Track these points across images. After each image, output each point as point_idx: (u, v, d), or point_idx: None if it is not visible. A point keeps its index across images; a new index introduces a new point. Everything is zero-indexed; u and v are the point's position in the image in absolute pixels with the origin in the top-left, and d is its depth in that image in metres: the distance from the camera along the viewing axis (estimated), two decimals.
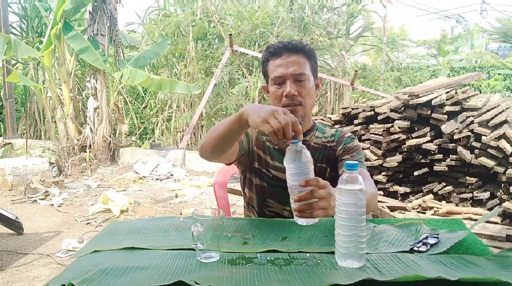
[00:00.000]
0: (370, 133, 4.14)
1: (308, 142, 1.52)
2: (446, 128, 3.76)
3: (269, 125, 1.07)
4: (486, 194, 3.63)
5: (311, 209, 1.08)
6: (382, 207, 3.68)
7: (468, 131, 3.70)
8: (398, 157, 3.98)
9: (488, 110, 3.79)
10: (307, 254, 1.04)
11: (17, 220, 3.77)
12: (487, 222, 3.38)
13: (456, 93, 3.93)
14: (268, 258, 1.02)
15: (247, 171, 1.56)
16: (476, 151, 3.63)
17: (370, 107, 4.28)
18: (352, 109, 4.42)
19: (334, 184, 1.46)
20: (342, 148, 1.50)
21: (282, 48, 1.44)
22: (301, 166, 1.12)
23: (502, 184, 3.52)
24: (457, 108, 3.82)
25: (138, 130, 8.99)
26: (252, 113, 1.12)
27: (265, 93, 1.55)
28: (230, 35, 7.03)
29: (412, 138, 3.95)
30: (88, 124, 6.96)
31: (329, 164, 1.49)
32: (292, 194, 1.13)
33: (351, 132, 1.79)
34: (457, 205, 3.74)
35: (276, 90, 1.44)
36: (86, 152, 6.73)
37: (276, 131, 1.07)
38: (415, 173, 3.93)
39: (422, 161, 3.90)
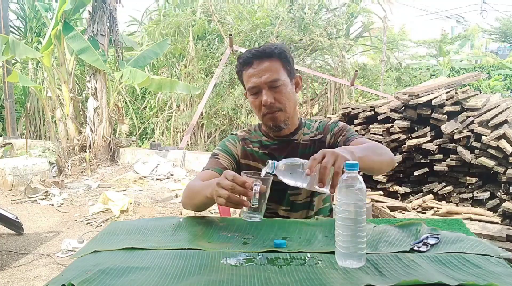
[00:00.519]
0: (370, 133, 4.14)
1: (297, 141, 1.53)
2: (446, 128, 3.76)
3: (221, 198, 1.09)
4: (486, 194, 3.63)
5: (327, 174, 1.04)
6: (382, 207, 3.68)
7: (468, 131, 3.70)
8: (398, 157, 3.98)
9: (488, 110, 3.79)
10: (307, 254, 1.04)
11: (17, 220, 3.77)
12: (488, 222, 3.38)
13: (456, 93, 3.93)
14: (268, 258, 1.02)
15: None
16: (476, 151, 3.63)
17: (370, 107, 4.28)
18: (352, 109, 4.42)
19: None
20: (331, 136, 1.50)
21: (251, 57, 1.43)
22: (298, 174, 1.12)
23: (502, 184, 3.52)
24: (457, 108, 3.82)
25: (138, 130, 8.99)
26: (213, 192, 1.14)
27: (247, 98, 1.56)
28: (230, 35, 7.03)
29: (412, 138, 3.95)
30: (88, 124, 6.96)
31: None
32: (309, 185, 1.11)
33: None
34: (457, 205, 3.74)
35: (254, 100, 1.45)
36: (86, 152, 6.73)
37: (228, 200, 1.08)
38: (415, 173, 3.93)
39: (422, 161, 3.90)
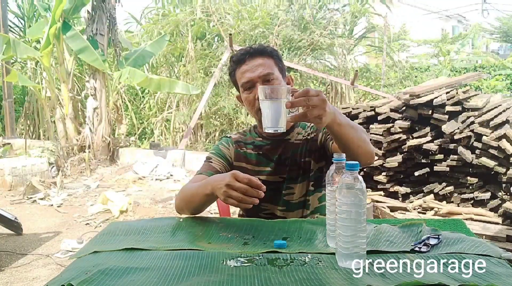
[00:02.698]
0: (371, 133, 4.13)
1: (290, 141, 1.52)
2: (446, 128, 3.75)
3: (232, 200, 1.14)
4: (487, 195, 3.62)
5: (306, 118, 1.09)
6: (383, 207, 3.67)
7: (469, 131, 3.69)
8: (399, 158, 3.97)
9: (489, 110, 3.78)
10: (308, 255, 1.03)
11: (16, 220, 3.76)
12: (489, 222, 3.37)
13: (457, 93, 3.92)
14: (268, 259, 1.01)
15: None
16: (477, 151, 3.62)
17: (371, 107, 4.27)
18: (353, 109, 4.41)
19: (321, 174, 1.46)
20: (323, 133, 1.50)
21: (244, 54, 1.45)
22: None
23: (503, 185, 3.51)
24: (458, 108, 3.81)
25: (138, 130, 8.97)
26: (217, 191, 1.19)
27: (239, 103, 1.55)
28: (230, 35, 7.01)
29: (413, 138, 3.95)
30: (87, 124, 6.95)
31: (312, 156, 1.50)
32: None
33: None
34: (458, 205, 3.74)
35: (248, 95, 1.45)
36: (85, 152, 6.71)
37: (241, 201, 1.13)
38: (416, 174, 3.92)
39: (423, 161, 3.89)
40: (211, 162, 1.51)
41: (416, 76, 10.05)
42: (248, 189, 1.12)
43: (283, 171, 1.50)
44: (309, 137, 1.52)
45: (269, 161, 1.52)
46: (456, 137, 3.72)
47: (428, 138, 3.87)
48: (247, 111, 1.54)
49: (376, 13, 9.75)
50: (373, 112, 4.21)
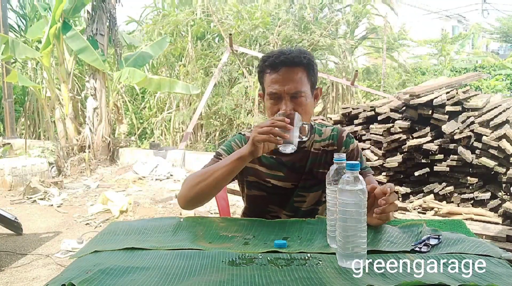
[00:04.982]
0: (371, 133, 4.13)
1: (307, 148, 1.48)
2: (446, 128, 3.75)
3: (262, 135, 1.19)
4: (487, 195, 3.62)
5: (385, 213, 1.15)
6: None
7: (469, 131, 3.69)
8: (399, 157, 3.97)
9: (489, 110, 3.78)
10: (308, 255, 1.03)
11: (16, 220, 3.76)
12: (489, 222, 3.37)
13: (457, 93, 3.92)
14: (268, 259, 1.01)
15: (242, 184, 1.55)
16: (477, 151, 3.62)
17: (371, 107, 4.27)
18: (353, 109, 4.41)
19: None
20: (345, 151, 1.46)
21: (279, 63, 1.37)
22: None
23: (503, 185, 3.51)
24: (458, 108, 3.81)
25: (138, 130, 8.97)
26: (246, 146, 1.26)
27: (260, 99, 1.51)
28: (230, 35, 7.01)
29: (413, 138, 3.94)
30: (87, 124, 6.95)
31: (329, 168, 1.47)
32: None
33: (351, 132, 1.77)
34: (458, 205, 3.73)
35: (272, 106, 1.40)
36: (85, 152, 6.72)
37: (270, 132, 1.18)
38: (416, 174, 3.92)
39: (423, 161, 3.89)
40: (221, 159, 1.44)
41: (416, 77, 10.05)
42: (275, 121, 1.19)
43: (296, 179, 1.46)
44: (328, 149, 1.48)
45: (282, 166, 1.47)
46: (456, 137, 3.72)
47: (428, 138, 3.87)
48: (266, 114, 1.52)
49: (377, 14, 9.75)
50: (373, 112, 4.20)
